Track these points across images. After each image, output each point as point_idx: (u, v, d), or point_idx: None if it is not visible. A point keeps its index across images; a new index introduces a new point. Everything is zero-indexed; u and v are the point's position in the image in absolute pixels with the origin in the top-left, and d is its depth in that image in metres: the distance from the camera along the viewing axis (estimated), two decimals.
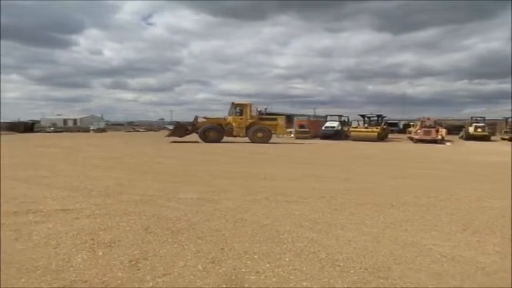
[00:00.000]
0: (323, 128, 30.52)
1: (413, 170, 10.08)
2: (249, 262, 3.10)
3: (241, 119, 23.40)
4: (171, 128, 25.37)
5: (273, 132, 24.08)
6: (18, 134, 36.66)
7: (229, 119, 23.61)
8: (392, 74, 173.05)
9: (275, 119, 25.08)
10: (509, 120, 33.79)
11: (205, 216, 4.61)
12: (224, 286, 2.67)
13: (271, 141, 23.08)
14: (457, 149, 21.24)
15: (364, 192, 6.43)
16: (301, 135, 31.10)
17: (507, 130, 31.94)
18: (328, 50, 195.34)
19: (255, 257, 3.24)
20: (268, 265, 3.04)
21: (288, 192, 6.35)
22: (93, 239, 3.69)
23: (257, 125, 23.61)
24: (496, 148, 21.97)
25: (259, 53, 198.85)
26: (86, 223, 4.27)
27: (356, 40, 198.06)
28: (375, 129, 27.99)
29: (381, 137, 28.10)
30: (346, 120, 33.58)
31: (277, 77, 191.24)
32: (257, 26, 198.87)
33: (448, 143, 25.44)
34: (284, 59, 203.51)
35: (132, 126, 71.84)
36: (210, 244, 3.56)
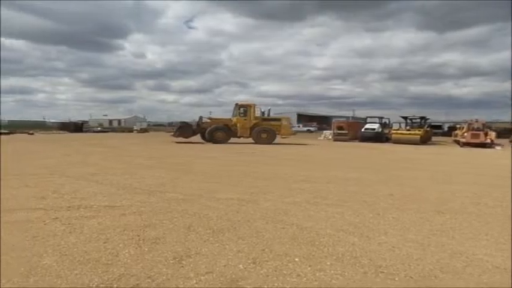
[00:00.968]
0: (362, 130, 29.77)
1: (460, 176, 9.59)
2: (290, 264, 3.10)
3: (245, 119, 23.24)
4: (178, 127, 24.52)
5: (277, 133, 23.78)
6: (69, 134, 38.89)
7: (234, 119, 23.45)
8: (436, 74, 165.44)
9: (279, 120, 24.84)
10: None
11: (245, 217, 4.66)
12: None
13: (310, 141, 22.87)
14: (507, 153, 19.93)
15: (407, 198, 6.21)
16: (339, 137, 30.56)
17: None
18: (368, 50, 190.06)
19: (296, 259, 3.23)
20: (309, 268, 3.02)
21: (328, 195, 6.27)
22: (139, 235, 3.85)
23: (261, 125, 23.43)
24: None
25: (298, 54, 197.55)
26: (132, 219, 4.46)
27: (398, 40, 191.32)
28: (417, 132, 26.89)
29: (424, 140, 26.94)
30: (387, 122, 32.53)
31: (315, 78, 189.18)
32: (296, 27, 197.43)
33: (497, 147, 23.92)
34: (323, 60, 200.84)
35: (172, 126, 73.89)
36: (251, 245, 3.60)
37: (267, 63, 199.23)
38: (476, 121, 26.26)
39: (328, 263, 3.14)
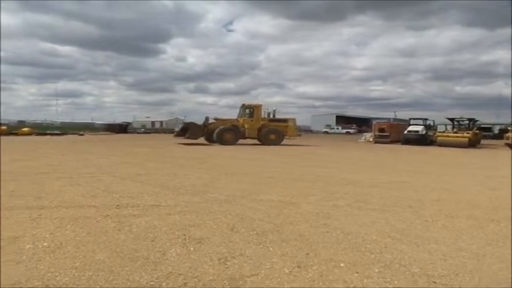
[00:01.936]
0: (405, 132, 28.68)
1: None
2: (336, 270, 3.04)
3: (252, 120, 22.88)
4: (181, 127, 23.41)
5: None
6: (115, 135, 40.75)
7: (241, 120, 22.99)
8: (485, 74, 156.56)
9: (286, 121, 24.35)
10: None
11: (287, 219, 4.64)
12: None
13: (351, 144, 22.37)
14: None
15: (457, 204, 5.90)
16: (380, 139, 29.64)
17: None
18: (411, 50, 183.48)
19: (342, 265, 3.16)
20: (356, 275, 2.94)
21: (371, 199, 6.09)
22: (184, 235, 3.94)
23: (268, 127, 23.04)
24: None
25: (336, 54, 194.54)
26: (177, 219, 4.58)
27: (444, 37, 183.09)
28: (465, 134, 25.50)
29: (473, 143, 25.49)
30: (432, 124, 31.09)
31: (354, 79, 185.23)
32: (335, 27, 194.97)
33: None
34: (362, 60, 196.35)
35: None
36: (295, 248, 3.57)
37: (304, 64, 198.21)
38: None
39: (376, 270, 3.05)
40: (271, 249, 3.54)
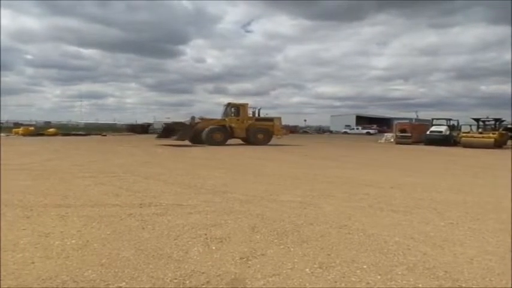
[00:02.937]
0: (428, 132, 28.03)
1: None
2: (358, 271, 3.02)
3: (238, 119, 22.41)
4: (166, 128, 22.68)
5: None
6: (137, 135, 41.58)
7: (227, 120, 22.35)
8: None
9: (271, 120, 24.11)
10: None
11: (308, 220, 4.63)
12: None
13: (372, 144, 22.05)
14: None
15: (483, 207, 5.74)
16: (402, 140, 29.05)
17: None
18: (433, 48, 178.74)
19: (364, 266, 3.13)
20: (379, 277, 2.91)
21: (393, 201, 6.00)
22: (206, 234, 3.99)
23: (255, 126, 22.72)
24: None
25: (356, 54, 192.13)
26: (199, 218, 4.64)
27: (468, 35, 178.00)
28: (491, 135, 24.71)
29: (499, 144, 24.66)
30: (456, 124, 30.25)
31: (375, 79, 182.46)
32: (355, 27, 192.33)
33: None
34: (383, 59, 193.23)
35: None
36: (316, 249, 3.56)
37: (323, 64, 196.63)
38: None
39: (399, 273, 3.01)
40: (292, 249, 3.54)
